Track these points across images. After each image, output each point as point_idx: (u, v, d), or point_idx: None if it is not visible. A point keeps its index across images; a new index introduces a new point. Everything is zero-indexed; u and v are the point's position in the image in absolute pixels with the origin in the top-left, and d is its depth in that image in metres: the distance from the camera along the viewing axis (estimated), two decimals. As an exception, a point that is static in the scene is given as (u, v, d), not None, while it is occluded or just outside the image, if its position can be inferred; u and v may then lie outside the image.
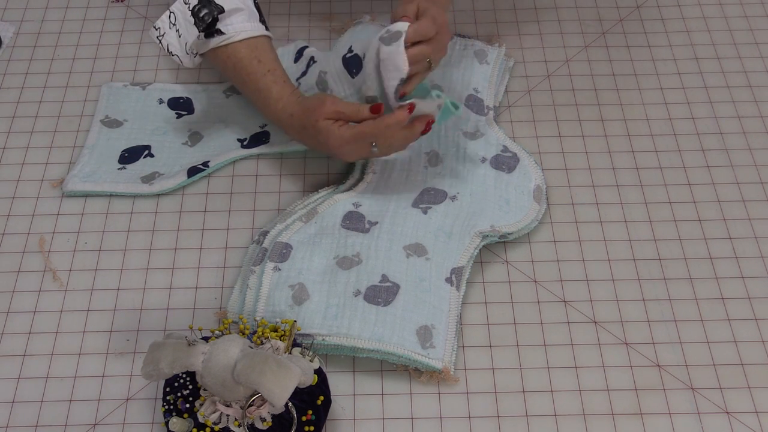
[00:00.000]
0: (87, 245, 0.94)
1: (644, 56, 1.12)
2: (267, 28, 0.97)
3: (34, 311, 0.90)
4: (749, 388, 0.84)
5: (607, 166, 1.01)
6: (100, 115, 1.06)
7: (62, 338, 0.87)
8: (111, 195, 0.98)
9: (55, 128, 1.05)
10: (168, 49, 0.93)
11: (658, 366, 0.85)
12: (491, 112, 1.03)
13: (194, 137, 1.04)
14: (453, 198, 0.94)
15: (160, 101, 1.08)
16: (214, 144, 1.03)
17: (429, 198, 0.94)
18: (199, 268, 0.93)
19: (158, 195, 0.98)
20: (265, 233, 0.93)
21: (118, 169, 1.01)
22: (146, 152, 1.03)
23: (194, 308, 0.89)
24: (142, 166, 1.01)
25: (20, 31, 1.17)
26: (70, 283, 0.92)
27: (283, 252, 0.89)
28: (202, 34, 0.93)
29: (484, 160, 0.98)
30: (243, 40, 0.94)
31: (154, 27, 0.93)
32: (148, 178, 0.99)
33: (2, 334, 0.88)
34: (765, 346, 0.87)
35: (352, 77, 0.96)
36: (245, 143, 1.03)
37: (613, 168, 1.01)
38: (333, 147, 0.90)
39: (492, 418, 0.82)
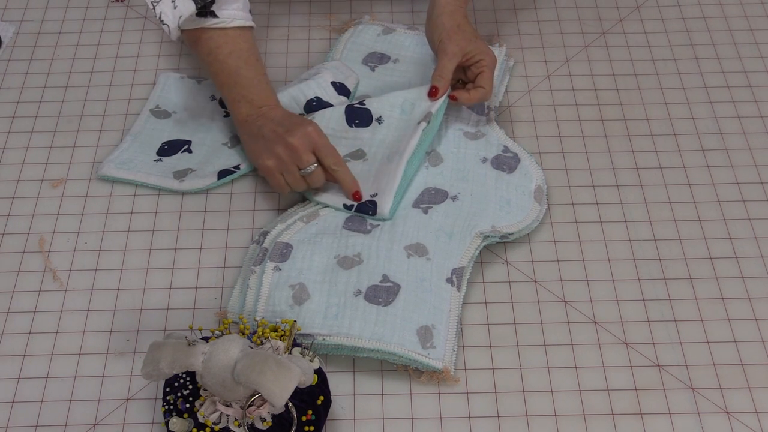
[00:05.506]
0: (87, 245, 0.94)
1: (644, 56, 1.12)
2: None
3: (34, 311, 0.89)
4: (749, 388, 0.84)
5: (607, 166, 1.01)
6: (151, 104, 1.06)
7: (62, 338, 0.87)
8: (137, 185, 0.98)
9: (55, 128, 1.05)
10: (160, 17, 0.91)
11: (658, 366, 0.85)
12: (492, 113, 1.03)
13: (235, 139, 1.02)
14: (454, 198, 0.94)
15: (213, 98, 1.07)
16: None
17: (430, 198, 0.94)
18: (199, 268, 0.92)
19: (159, 195, 0.98)
20: (265, 233, 0.93)
21: (155, 160, 1.00)
22: (185, 147, 1.02)
23: (194, 308, 0.89)
24: (178, 160, 1.00)
25: (20, 31, 1.17)
26: (70, 283, 0.91)
27: (283, 252, 0.89)
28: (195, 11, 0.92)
29: (485, 160, 0.98)
30: (237, 27, 0.95)
31: None
32: (180, 174, 0.98)
33: (2, 334, 0.88)
34: (765, 346, 0.86)
35: (349, 125, 0.98)
36: None
37: (613, 168, 1.01)
38: (261, 158, 0.92)
39: (492, 418, 0.82)
